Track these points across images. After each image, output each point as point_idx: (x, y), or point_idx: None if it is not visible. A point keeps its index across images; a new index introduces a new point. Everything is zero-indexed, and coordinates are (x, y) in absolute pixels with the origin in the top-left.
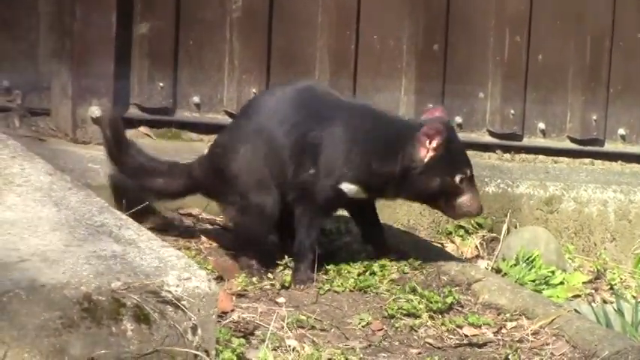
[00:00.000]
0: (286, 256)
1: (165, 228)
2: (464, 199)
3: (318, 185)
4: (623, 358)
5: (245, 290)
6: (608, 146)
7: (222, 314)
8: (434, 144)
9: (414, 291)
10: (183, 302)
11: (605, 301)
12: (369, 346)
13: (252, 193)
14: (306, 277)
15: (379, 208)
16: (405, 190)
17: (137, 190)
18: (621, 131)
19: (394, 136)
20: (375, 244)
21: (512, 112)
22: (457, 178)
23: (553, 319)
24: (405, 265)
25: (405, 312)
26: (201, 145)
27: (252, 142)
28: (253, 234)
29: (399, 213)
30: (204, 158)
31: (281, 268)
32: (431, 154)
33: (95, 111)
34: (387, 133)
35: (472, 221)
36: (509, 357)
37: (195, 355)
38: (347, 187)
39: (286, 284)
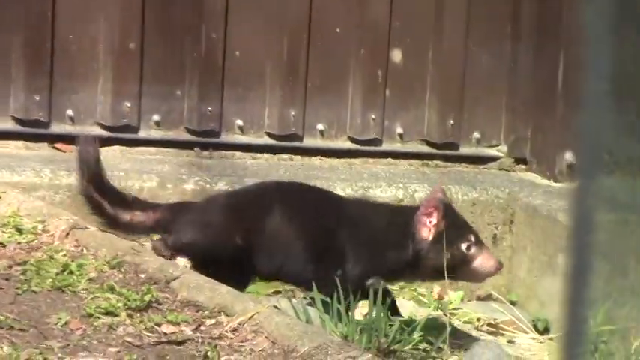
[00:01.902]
0: None
1: None
2: (478, 263)
3: (349, 282)
4: (323, 353)
5: None
6: (307, 142)
7: None
8: (433, 220)
9: (112, 289)
10: None
11: (305, 297)
12: (68, 345)
13: None
14: None
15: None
16: (422, 272)
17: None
18: (320, 127)
19: (399, 224)
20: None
21: (209, 109)
22: (463, 247)
23: (252, 316)
24: (104, 264)
25: (103, 310)
26: None
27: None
28: None
29: None
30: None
31: None
32: (433, 231)
33: None
34: (392, 223)
35: None
36: (209, 354)
37: None
38: (370, 281)
39: None
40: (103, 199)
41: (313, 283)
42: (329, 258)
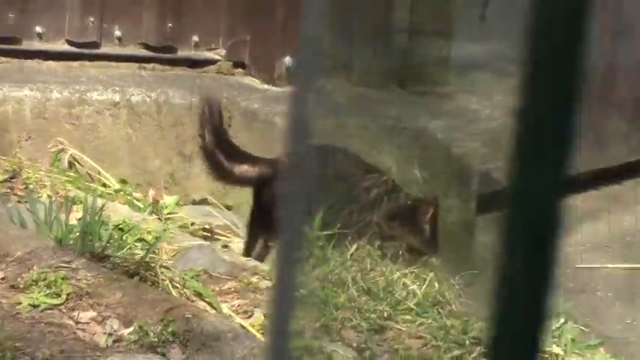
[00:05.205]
0: None
1: None
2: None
3: None
4: (37, 258)
5: None
6: (26, 44)
7: None
8: (428, 216)
9: None
10: None
11: (20, 201)
12: None
13: None
14: None
15: None
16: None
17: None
18: (38, 29)
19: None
20: None
21: None
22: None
23: None
24: None
25: None
26: None
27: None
28: None
29: None
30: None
31: None
32: (427, 226)
33: None
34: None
35: None
36: None
37: None
38: None
39: None
40: (221, 153)
41: None
42: None
